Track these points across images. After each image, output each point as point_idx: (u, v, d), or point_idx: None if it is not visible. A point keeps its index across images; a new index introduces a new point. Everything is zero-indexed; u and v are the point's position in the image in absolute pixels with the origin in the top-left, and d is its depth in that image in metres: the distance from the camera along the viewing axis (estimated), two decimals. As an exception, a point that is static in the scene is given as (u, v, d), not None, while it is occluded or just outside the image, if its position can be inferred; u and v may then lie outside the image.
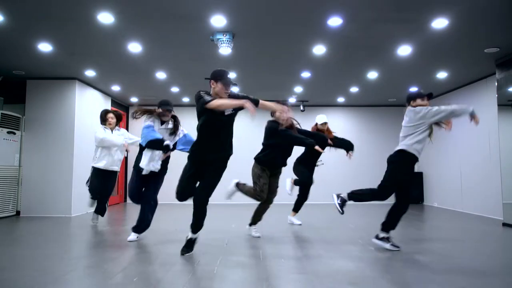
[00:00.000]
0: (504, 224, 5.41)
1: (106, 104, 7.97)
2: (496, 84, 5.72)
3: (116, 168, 5.32)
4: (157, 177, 4.28)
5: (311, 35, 4.67)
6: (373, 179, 9.53)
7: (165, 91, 7.70)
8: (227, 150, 3.54)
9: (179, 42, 4.89)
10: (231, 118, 3.48)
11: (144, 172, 4.17)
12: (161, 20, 4.21)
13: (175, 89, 7.61)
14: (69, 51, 5.26)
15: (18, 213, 6.53)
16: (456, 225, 5.56)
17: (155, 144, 3.96)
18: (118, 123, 5.35)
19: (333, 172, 8.99)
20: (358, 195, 3.88)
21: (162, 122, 4.19)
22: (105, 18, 4.10)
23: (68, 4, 3.80)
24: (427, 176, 8.69)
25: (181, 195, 3.56)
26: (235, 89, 7.63)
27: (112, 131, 5.20)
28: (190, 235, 3.56)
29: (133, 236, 4.24)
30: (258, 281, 2.72)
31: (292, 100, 8.65)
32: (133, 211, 7.49)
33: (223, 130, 3.46)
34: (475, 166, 6.82)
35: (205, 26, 4.36)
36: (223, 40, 4.49)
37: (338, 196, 3.90)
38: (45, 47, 5.01)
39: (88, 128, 7.12)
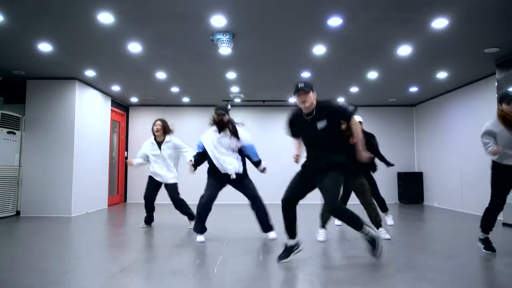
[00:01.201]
0: (504, 224, 5.41)
1: (106, 104, 7.97)
2: (496, 84, 5.72)
3: (159, 179, 5.13)
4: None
5: (311, 35, 4.67)
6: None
7: (165, 91, 7.71)
8: None
9: (179, 42, 4.89)
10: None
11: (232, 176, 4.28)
12: (161, 20, 4.21)
13: (175, 89, 7.61)
14: (69, 51, 5.26)
15: (18, 213, 6.53)
16: (456, 225, 5.56)
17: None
18: (164, 131, 5.15)
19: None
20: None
21: (220, 130, 4.26)
22: (105, 18, 4.09)
23: (68, 4, 3.80)
24: (427, 176, 8.69)
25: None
26: (235, 89, 7.64)
27: (160, 143, 5.11)
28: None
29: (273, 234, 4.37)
30: (258, 281, 2.72)
31: (292, 100, 8.65)
32: (133, 211, 7.49)
33: None
34: (475, 166, 6.82)
35: (205, 26, 4.36)
36: (223, 40, 4.49)
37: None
38: (45, 47, 5.01)
39: (88, 128, 7.12)
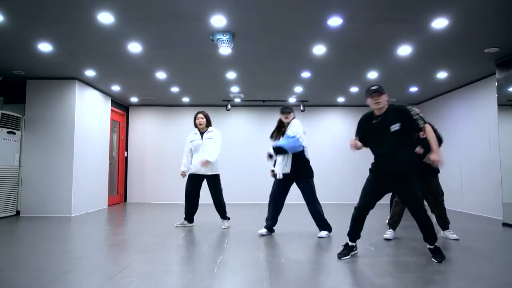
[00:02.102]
0: (504, 224, 5.41)
1: (106, 104, 7.97)
2: (496, 84, 5.73)
3: (199, 171, 5.12)
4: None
5: (311, 35, 4.67)
6: (373, 179, 9.49)
7: (165, 91, 7.71)
8: None
9: (179, 42, 4.89)
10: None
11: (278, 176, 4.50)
12: (161, 20, 4.21)
13: (175, 89, 7.61)
14: (69, 51, 5.27)
15: (18, 213, 6.53)
16: (456, 225, 5.55)
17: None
18: (207, 124, 5.24)
19: (333, 170, 9.01)
20: None
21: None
22: (105, 18, 4.10)
23: (68, 4, 3.80)
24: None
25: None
26: (235, 89, 7.64)
27: (203, 133, 5.18)
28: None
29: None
30: (257, 281, 2.72)
31: (292, 100, 8.66)
32: (133, 211, 7.50)
33: None
34: (475, 166, 6.82)
35: (205, 26, 4.36)
36: (223, 40, 4.49)
37: None
38: (45, 47, 5.02)
39: (88, 128, 7.12)
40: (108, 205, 8.05)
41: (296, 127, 4.55)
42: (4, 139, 6.23)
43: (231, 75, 6.49)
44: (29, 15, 4.07)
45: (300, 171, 4.48)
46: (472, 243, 4.23)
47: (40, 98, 6.68)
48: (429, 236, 3.32)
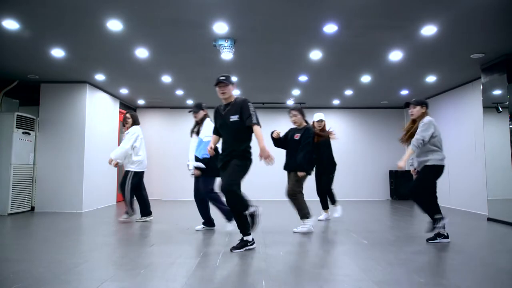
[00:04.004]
0: (489, 219, 5.42)
1: (115, 106, 7.98)
2: (481, 87, 5.73)
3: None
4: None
5: (308, 41, 4.67)
6: (366, 177, 9.60)
7: (170, 94, 7.71)
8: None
9: (183, 47, 4.90)
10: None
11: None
12: (167, 27, 4.21)
13: (179, 92, 7.61)
14: (81, 57, 5.27)
15: (32, 208, 6.54)
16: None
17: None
18: (132, 123, 5.35)
19: (329, 170, 9.00)
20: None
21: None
22: (114, 25, 4.10)
23: (79, 13, 3.80)
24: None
25: None
26: (236, 92, 7.64)
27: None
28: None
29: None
30: (258, 273, 2.73)
31: (290, 102, 8.66)
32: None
33: None
34: (462, 164, 6.83)
35: (208, 33, 4.36)
36: (225, 46, 4.50)
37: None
38: (58, 52, 5.02)
39: (98, 129, 7.13)
40: (117, 202, 8.05)
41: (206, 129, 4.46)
42: (19, 139, 6.24)
43: (232, 79, 6.48)
44: (43, 23, 4.07)
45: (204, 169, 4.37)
46: (460, 236, 4.23)
47: (53, 101, 6.68)
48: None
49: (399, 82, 6.77)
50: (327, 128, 5.44)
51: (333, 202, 5.46)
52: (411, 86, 7.09)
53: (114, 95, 7.90)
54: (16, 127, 6.18)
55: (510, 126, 5.10)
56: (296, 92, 7.60)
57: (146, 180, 9.28)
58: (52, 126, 6.64)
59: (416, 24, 4.11)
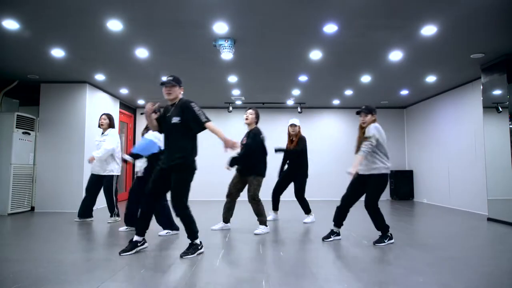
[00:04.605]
0: (489, 219, 5.42)
1: (115, 106, 7.97)
2: (481, 87, 5.72)
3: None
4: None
5: (308, 41, 4.67)
6: (366, 176, 9.47)
7: (171, 94, 7.70)
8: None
9: (183, 47, 4.89)
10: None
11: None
12: (167, 27, 4.21)
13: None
14: (80, 57, 5.27)
15: (32, 208, 6.54)
16: (444, 220, 5.57)
17: None
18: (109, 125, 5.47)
19: (327, 170, 9.00)
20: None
21: None
22: (114, 25, 4.10)
23: (79, 13, 3.80)
24: (417, 174, 8.69)
25: None
26: (236, 92, 7.64)
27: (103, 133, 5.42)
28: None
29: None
30: (258, 274, 2.73)
31: (290, 102, 8.66)
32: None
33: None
34: (462, 165, 6.83)
35: (208, 33, 4.36)
36: (225, 46, 4.50)
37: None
38: (58, 52, 5.02)
39: (97, 129, 7.11)
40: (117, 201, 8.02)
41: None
42: (19, 139, 6.24)
43: (232, 78, 6.49)
44: (43, 23, 4.07)
45: None
46: (459, 236, 4.23)
47: (53, 101, 6.68)
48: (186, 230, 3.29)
49: (399, 82, 6.76)
50: (301, 134, 5.31)
51: (307, 211, 5.29)
52: (411, 86, 7.09)
53: (114, 95, 7.89)
54: (16, 127, 6.18)
55: (510, 126, 5.10)
56: (296, 92, 7.60)
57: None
58: (52, 126, 6.64)
59: (416, 24, 4.11)
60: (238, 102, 8.65)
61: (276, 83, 6.85)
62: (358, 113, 3.95)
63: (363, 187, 3.78)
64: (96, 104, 7.08)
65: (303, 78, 6.44)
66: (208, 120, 3.26)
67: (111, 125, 5.43)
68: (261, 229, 4.37)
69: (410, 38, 4.49)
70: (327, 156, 9.14)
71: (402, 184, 8.77)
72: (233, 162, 4.51)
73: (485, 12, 3.76)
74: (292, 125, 5.30)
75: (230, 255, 3.29)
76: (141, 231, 3.35)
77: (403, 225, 5.11)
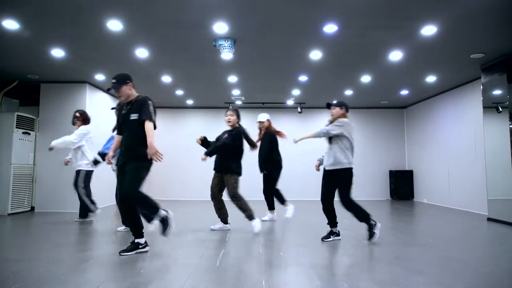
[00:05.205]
0: (489, 219, 5.42)
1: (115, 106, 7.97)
2: (481, 87, 5.72)
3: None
4: None
5: (308, 41, 4.67)
6: (366, 177, 9.57)
7: (171, 94, 7.71)
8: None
9: (183, 47, 4.90)
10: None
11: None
12: (167, 27, 4.21)
13: (179, 92, 7.61)
14: (80, 57, 5.27)
15: (32, 208, 6.54)
16: (444, 220, 5.57)
17: None
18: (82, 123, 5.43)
19: (329, 170, 9.00)
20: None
21: None
22: (114, 25, 4.10)
23: (79, 13, 3.80)
24: (417, 174, 8.69)
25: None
26: (236, 92, 7.64)
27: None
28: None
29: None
30: (258, 273, 2.73)
31: (290, 102, 8.66)
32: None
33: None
34: (462, 165, 6.83)
35: (208, 33, 4.36)
36: (225, 46, 4.50)
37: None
38: (58, 52, 5.02)
39: (97, 129, 7.11)
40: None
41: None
42: (19, 139, 6.24)
43: (232, 78, 6.49)
44: (43, 23, 4.07)
45: None
46: (459, 236, 4.23)
47: (53, 101, 6.68)
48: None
49: (399, 82, 6.76)
50: (272, 128, 5.39)
51: (282, 202, 5.33)
52: (411, 86, 7.09)
53: (114, 95, 7.87)
54: (16, 127, 6.18)
55: (510, 126, 5.10)
56: (296, 92, 7.60)
57: (147, 179, 9.31)
58: (52, 126, 6.63)
59: (416, 24, 4.11)
60: (238, 102, 8.65)
61: (276, 83, 6.85)
62: (328, 107, 3.98)
63: (335, 181, 3.80)
64: (96, 104, 7.08)
65: (303, 78, 6.44)
66: (151, 121, 3.31)
67: (83, 121, 5.39)
68: (255, 225, 4.34)
69: (410, 38, 4.49)
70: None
71: (402, 184, 8.76)
72: (205, 143, 4.52)
73: (485, 12, 3.76)
74: (260, 122, 5.39)
75: (230, 255, 3.29)
76: (136, 232, 3.33)
77: (403, 225, 5.11)
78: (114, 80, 3.41)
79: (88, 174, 5.33)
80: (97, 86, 7.05)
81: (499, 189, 5.36)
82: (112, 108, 4.20)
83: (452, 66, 5.70)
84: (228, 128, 4.59)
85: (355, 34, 4.40)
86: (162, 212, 3.35)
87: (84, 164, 5.31)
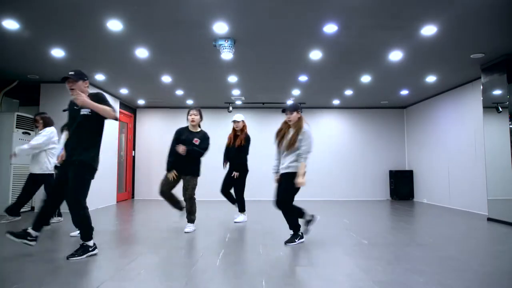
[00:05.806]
0: (489, 219, 5.42)
1: (115, 106, 7.96)
2: (481, 87, 5.73)
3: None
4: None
5: (308, 41, 4.67)
6: (366, 177, 9.58)
7: (170, 94, 7.71)
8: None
9: (183, 47, 4.90)
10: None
11: None
12: (167, 27, 4.21)
13: (179, 92, 7.61)
14: (81, 57, 5.27)
15: (32, 208, 6.53)
16: (444, 220, 5.57)
17: None
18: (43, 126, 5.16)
19: (327, 170, 9.00)
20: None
21: None
22: (114, 25, 4.10)
23: (79, 12, 3.80)
24: (417, 174, 8.70)
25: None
26: (236, 92, 7.64)
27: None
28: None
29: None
30: (258, 273, 2.73)
31: (290, 102, 8.66)
32: (140, 207, 7.50)
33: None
34: (462, 165, 6.83)
35: (208, 33, 4.36)
36: (225, 46, 4.50)
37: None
38: (58, 52, 5.02)
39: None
40: (117, 202, 8.05)
41: None
42: (19, 139, 6.23)
43: (232, 78, 6.49)
44: (43, 23, 4.07)
45: None
46: (459, 236, 4.23)
47: (53, 101, 6.67)
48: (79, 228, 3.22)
49: (399, 82, 6.76)
50: (246, 130, 5.39)
51: (241, 209, 5.27)
52: (411, 86, 7.09)
53: (114, 95, 7.89)
54: (16, 127, 6.18)
55: (510, 126, 5.10)
56: (296, 92, 7.60)
57: (146, 179, 9.33)
58: (52, 126, 6.62)
59: (416, 24, 4.11)
60: (238, 102, 8.65)
61: (276, 83, 6.86)
62: (283, 111, 3.96)
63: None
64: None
65: (303, 78, 6.44)
66: (109, 106, 3.21)
67: (46, 124, 5.11)
68: (189, 226, 4.43)
69: (410, 38, 4.49)
70: (327, 156, 9.13)
71: (402, 184, 8.76)
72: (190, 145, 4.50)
73: (485, 12, 3.76)
74: (235, 121, 5.34)
75: (230, 255, 3.29)
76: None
77: (403, 225, 5.11)
78: (72, 72, 3.30)
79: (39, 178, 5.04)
80: (97, 86, 7.04)
81: (499, 189, 5.36)
82: (64, 110, 3.98)
83: (452, 66, 5.70)
84: (187, 125, 4.66)
85: (355, 34, 4.40)
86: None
87: (38, 168, 5.02)
